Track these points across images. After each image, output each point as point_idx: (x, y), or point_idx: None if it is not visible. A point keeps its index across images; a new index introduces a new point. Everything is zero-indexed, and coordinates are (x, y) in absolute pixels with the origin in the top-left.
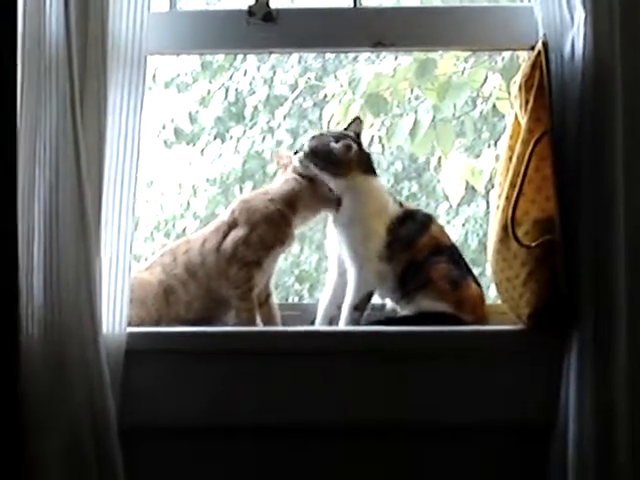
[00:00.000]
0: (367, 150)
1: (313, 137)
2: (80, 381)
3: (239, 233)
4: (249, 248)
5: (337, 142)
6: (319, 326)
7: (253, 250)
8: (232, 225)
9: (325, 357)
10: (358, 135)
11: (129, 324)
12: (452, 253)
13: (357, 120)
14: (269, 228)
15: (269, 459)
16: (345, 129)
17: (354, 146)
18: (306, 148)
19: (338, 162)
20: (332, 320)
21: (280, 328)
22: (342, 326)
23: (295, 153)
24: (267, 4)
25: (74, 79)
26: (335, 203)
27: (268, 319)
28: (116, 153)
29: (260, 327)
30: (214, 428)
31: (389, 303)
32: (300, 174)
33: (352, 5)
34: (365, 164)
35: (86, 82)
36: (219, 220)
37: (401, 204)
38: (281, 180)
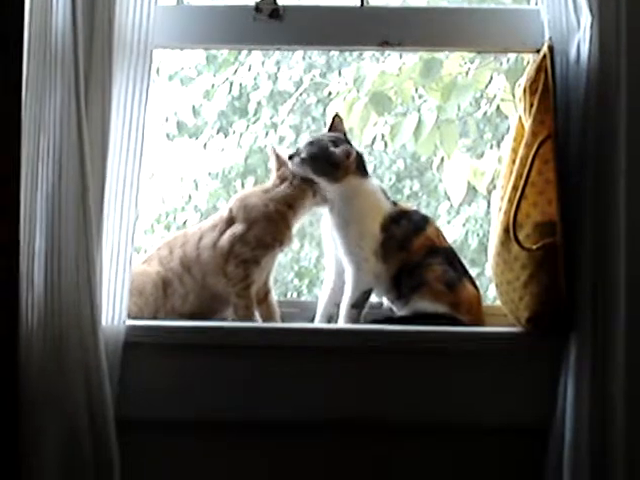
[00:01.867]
0: (359, 151)
1: (311, 143)
2: (78, 372)
3: (236, 230)
4: (245, 245)
5: (336, 146)
6: (318, 323)
7: (250, 248)
8: (229, 222)
9: (324, 354)
10: (345, 135)
11: (127, 314)
12: (448, 255)
13: (337, 118)
14: (267, 227)
15: (267, 454)
16: (329, 130)
17: (353, 152)
18: (304, 154)
19: (337, 168)
20: (331, 318)
21: (279, 324)
22: (341, 324)
23: (290, 158)
24: (274, 1)
25: (79, 71)
26: (327, 200)
27: (267, 316)
28: (120, 146)
29: (259, 323)
30: (211, 422)
31: (386, 302)
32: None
33: (359, 4)
34: (359, 166)
35: (91, 74)
36: (217, 216)
37: (395, 203)
38: (282, 182)
